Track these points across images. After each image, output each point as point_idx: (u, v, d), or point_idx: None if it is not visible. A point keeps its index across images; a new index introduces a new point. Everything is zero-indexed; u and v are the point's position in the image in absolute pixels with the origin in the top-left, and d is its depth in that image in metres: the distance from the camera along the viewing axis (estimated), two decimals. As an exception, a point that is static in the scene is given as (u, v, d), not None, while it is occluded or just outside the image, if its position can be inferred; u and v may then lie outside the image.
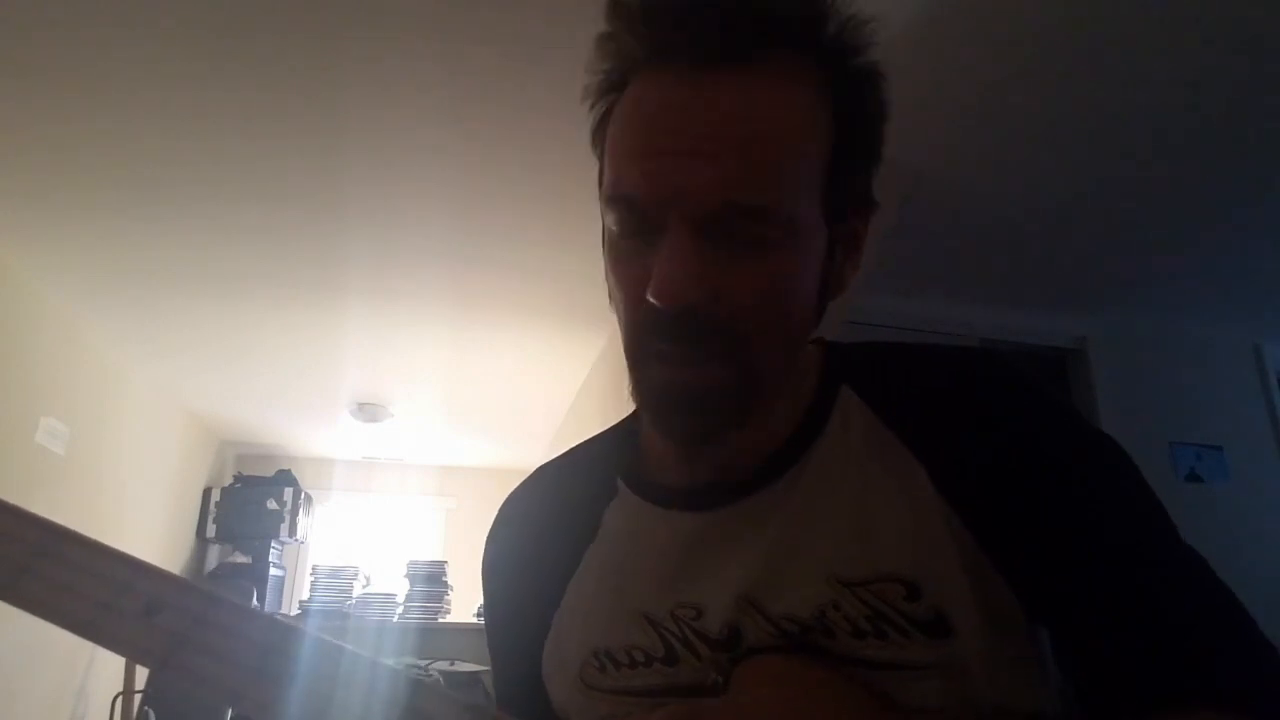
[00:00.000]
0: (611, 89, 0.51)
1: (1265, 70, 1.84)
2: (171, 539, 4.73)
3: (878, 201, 0.54)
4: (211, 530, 5.11)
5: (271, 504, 5.22)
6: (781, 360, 0.52)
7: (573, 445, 0.68)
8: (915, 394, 0.53)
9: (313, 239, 2.71)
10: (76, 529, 0.36)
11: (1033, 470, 0.49)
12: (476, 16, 1.71)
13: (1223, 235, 2.58)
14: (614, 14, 0.48)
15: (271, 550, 5.12)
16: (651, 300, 0.45)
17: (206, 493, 5.19)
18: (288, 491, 5.29)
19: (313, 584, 4.61)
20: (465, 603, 4.51)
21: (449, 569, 4.60)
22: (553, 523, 0.62)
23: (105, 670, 3.66)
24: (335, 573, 4.62)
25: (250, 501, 5.21)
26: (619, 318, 0.51)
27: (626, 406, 0.66)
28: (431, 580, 4.53)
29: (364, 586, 4.69)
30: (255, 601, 4.66)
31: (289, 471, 5.49)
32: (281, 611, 5.16)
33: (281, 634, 0.35)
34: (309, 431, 5.32)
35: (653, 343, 0.48)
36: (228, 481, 5.43)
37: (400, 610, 4.49)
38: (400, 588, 4.58)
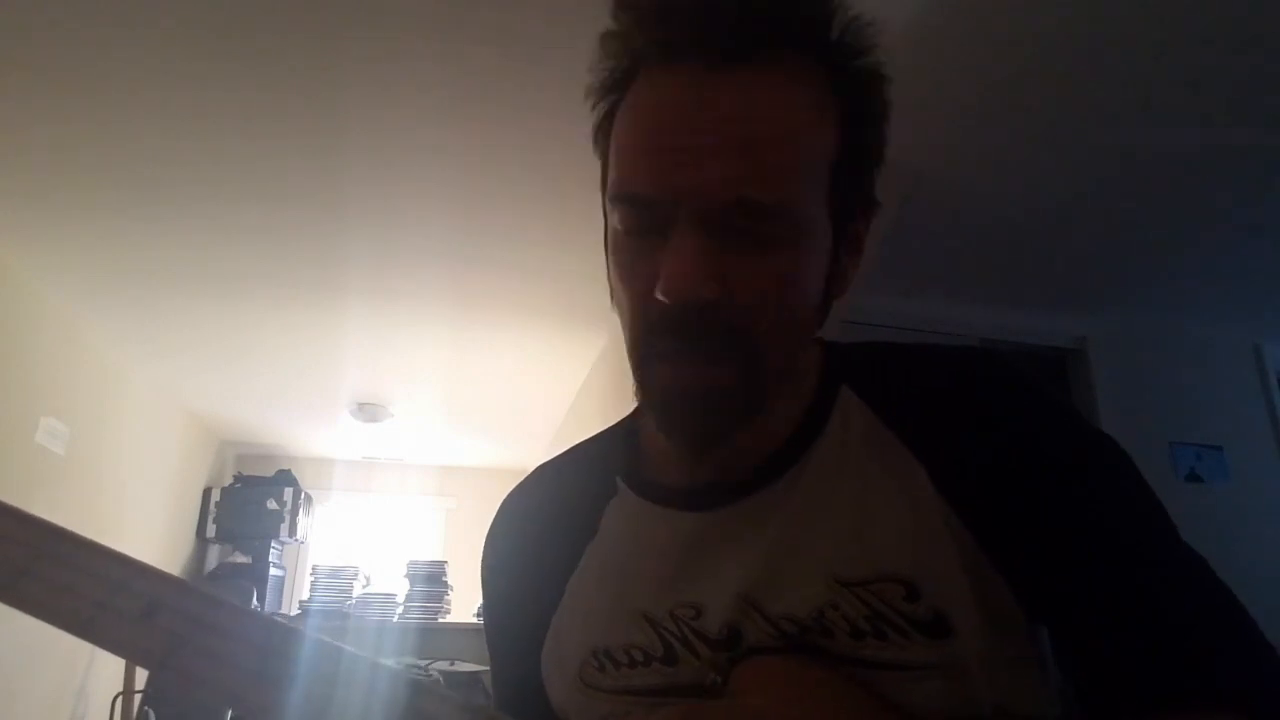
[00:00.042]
0: (615, 87, 0.51)
1: (1265, 70, 1.84)
2: (171, 539, 4.73)
3: (880, 202, 0.54)
4: (211, 530, 5.11)
5: (271, 504, 5.23)
6: (787, 360, 0.52)
7: (572, 444, 0.68)
8: (915, 394, 0.53)
9: (313, 239, 2.71)
10: (76, 529, 0.36)
11: (1033, 470, 0.49)
12: (476, 16, 1.71)
13: (1223, 235, 2.58)
14: (622, 12, 0.48)
15: (271, 550, 5.12)
16: (660, 298, 0.45)
17: (206, 493, 5.19)
18: (288, 491, 5.29)
19: (313, 584, 4.61)
20: (465, 603, 4.51)
21: (449, 569, 4.60)
22: (552, 522, 0.62)
23: (105, 670, 3.66)
24: (335, 573, 4.62)
25: (250, 501, 5.21)
26: (622, 317, 0.51)
27: (626, 406, 0.66)
28: (431, 580, 4.53)
29: (364, 586, 4.69)
30: (255, 601, 4.66)
31: (289, 471, 5.49)
32: (281, 611, 5.16)
33: (280, 636, 0.35)
34: (309, 431, 5.32)
35: (659, 342, 0.48)
36: (228, 481, 5.43)
37: (400, 610, 4.49)
38: (400, 588, 4.58)
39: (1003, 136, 2.09)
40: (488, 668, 0.68)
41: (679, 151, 0.45)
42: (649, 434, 0.61)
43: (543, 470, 0.68)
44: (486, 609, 0.66)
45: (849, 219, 0.52)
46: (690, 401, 0.48)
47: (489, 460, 5.82)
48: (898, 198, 2.20)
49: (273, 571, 5.07)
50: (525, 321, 3.41)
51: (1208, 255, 2.71)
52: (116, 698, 3.36)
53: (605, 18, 0.49)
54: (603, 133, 0.53)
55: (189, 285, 3.05)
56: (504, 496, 0.68)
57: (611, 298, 0.54)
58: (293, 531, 5.23)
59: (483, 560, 0.66)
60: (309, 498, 5.62)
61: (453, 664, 3.72)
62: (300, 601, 4.71)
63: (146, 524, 4.32)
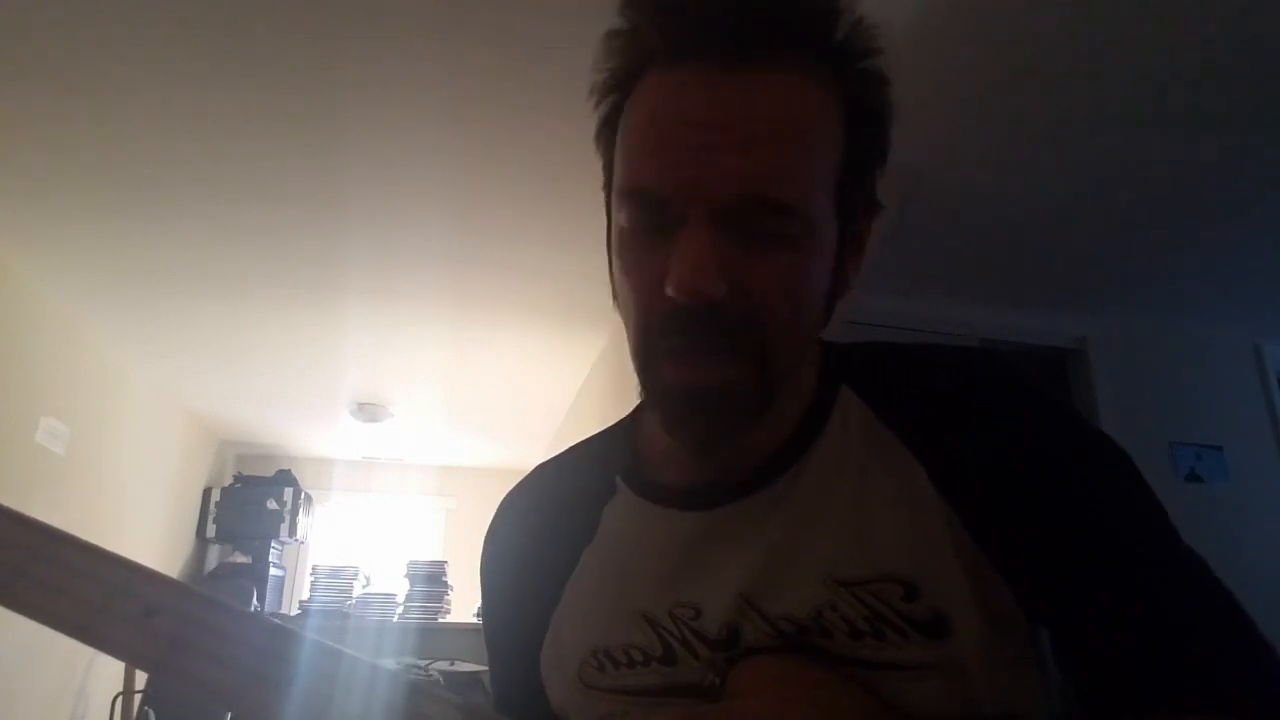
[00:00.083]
0: (620, 86, 0.51)
1: (1265, 70, 1.84)
2: (171, 539, 4.73)
3: (882, 203, 0.54)
4: (211, 530, 5.11)
5: (271, 504, 5.23)
6: (795, 360, 0.52)
7: (572, 444, 0.68)
8: (915, 394, 0.53)
9: (313, 239, 2.71)
10: (76, 529, 0.36)
11: (1032, 470, 0.49)
12: (476, 16, 1.71)
13: (1223, 235, 2.58)
14: (631, 9, 0.48)
15: (271, 550, 5.12)
16: (671, 294, 0.45)
17: (206, 493, 5.19)
18: (288, 491, 5.29)
19: (313, 584, 4.61)
20: (465, 603, 4.51)
21: (449, 569, 4.60)
22: (551, 522, 0.62)
23: (105, 670, 3.66)
24: (335, 573, 4.62)
25: (250, 501, 5.22)
26: (628, 317, 0.50)
27: (626, 406, 0.66)
28: (431, 580, 4.53)
29: (364, 586, 4.69)
30: (255, 601, 4.66)
31: (289, 471, 5.49)
32: (281, 611, 5.16)
33: (279, 638, 0.34)
34: (309, 431, 5.32)
35: (667, 340, 0.47)
36: (228, 481, 5.43)
37: (400, 610, 4.49)
38: (400, 588, 4.58)
39: (1003, 136, 2.09)
40: (487, 667, 0.68)
41: (692, 148, 0.45)
42: (649, 434, 0.61)
43: (542, 469, 0.68)
44: (485, 608, 0.66)
45: (853, 219, 0.52)
46: (699, 401, 0.48)
47: (489, 460, 5.82)
48: (898, 198, 2.20)
49: (273, 571, 5.07)
50: (525, 321, 3.41)
51: (1208, 255, 2.71)
52: (116, 698, 3.36)
53: (606, 18, 0.49)
54: (607, 131, 0.52)
55: (189, 285, 3.05)
56: (503, 496, 0.68)
57: (614, 297, 0.54)
58: (293, 531, 5.24)
59: (482, 559, 0.66)
60: (309, 498, 5.62)
61: (453, 664, 3.72)
62: (300, 601, 4.71)
63: (146, 524, 4.32)
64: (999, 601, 0.48)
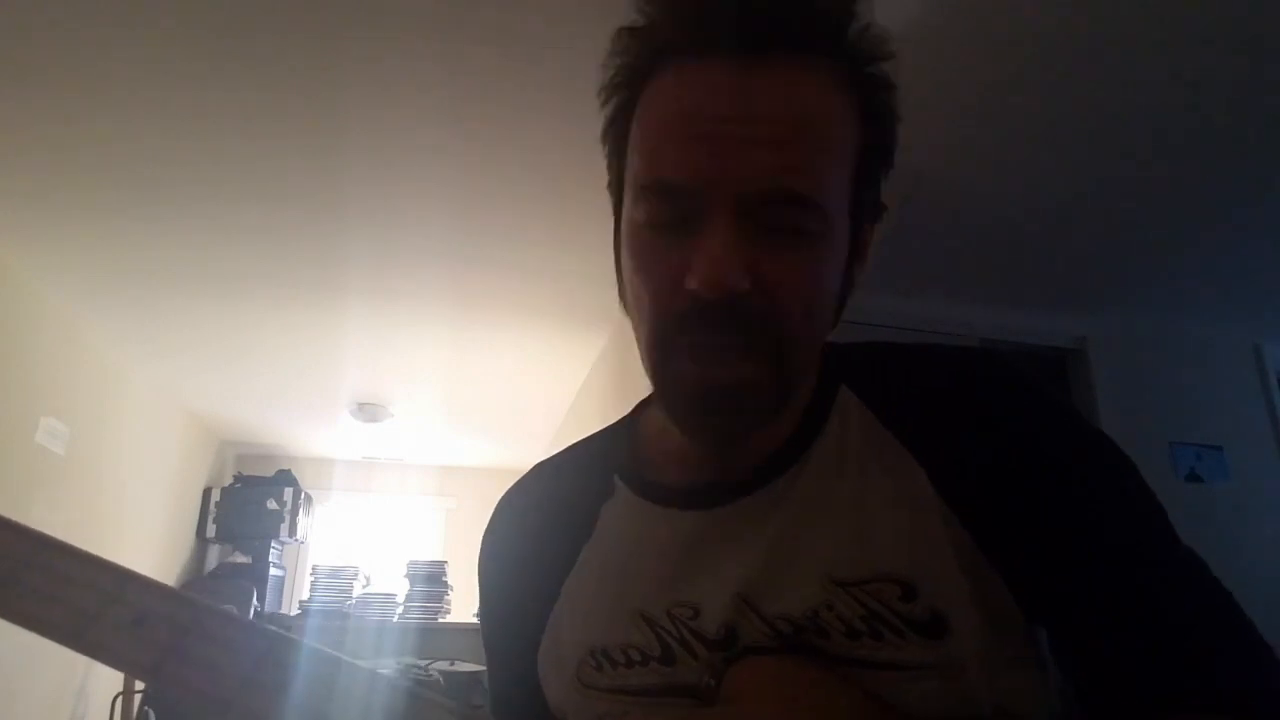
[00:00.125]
0: (630, 83, 0.50)
1: (1265, 70, 1.84)
2: (171, 539, 4.73)
3: (886, 205, 0.54)
4: (211, 530, 5.11)
5: (271, 504, 5.23)
6: (809, 359, 0.52)
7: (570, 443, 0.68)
8: (914, 394, 0.53)
9: (313, 239, 2.71)
10: (76, 529, 0.36)
11: (1032, 470, 0.49)
12: (476, 16, 1.71)
13: (1223, 235, 2.58)
14: (651, 4, 0.48)
15: (271, 550, 5.12)
16: (694, 289, 0.44)
17: (206, 493, 5.19)
18: (288, 491, 5.29)
19: (313, 584, 4.61)
20: (465, 603, 4.51)
21: (449, 569, 4.60)
22: (549, 520, 0.62)
23: (105, 670, 3.63)
24: (335, 573, 4.62)
25: (250, 501, 5.21)
26: (640, 313, 0.50)
27: (626, 406, 0.66)
28: (431, 580, 4.53)
29: (364, 586, 4.69)
30: (255, 602, 4.66)
31: (289, 471, 5.49)
32: (281, 611, 5.16)
33: (275, 644, 0.34)
34: (309, 431, 5.32)
35: (686, 336, 0.47)
36: (228, 481, 5.43)
37: (400, 610, 4.48)
38: (400, 588, 4.58)
39: (1003, 136, 2.09)
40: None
41: (717, 140, 0.45)
42: (649, 433, 0.61)
43: (541, 468, 0.68)
44: (483, 608, 0.66)
45: (862, 220, 0.52)
46: (716, 398, 0.47)
47: (489, 460, 5.82)
48: (898, 198, 2.19)
49: (273, 571, 5.07)
50: (525, 321, 3.41)
51: (1208, 255, 2.71)
52: (116, 698, 3.36)
53: (606, 17, 0.49)
54: (618, 126, 0.52)
55: (189, 285, 3.05)
56: (501, 495, 0.68)
57: (621, 295, 0.54)
58: (293, 531, 5.23)
59: (480, 558, 0.66)
60: (309, 498, 5.62)
61: (453, 664, 3.72)
62: (300, 601, 4.71)
63: (146, 524, 4.32)
64: (998, 602, 0.48)
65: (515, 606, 0.62)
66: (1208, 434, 3.07)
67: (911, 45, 1.73)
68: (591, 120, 0.54)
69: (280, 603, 5.27)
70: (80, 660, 3.54)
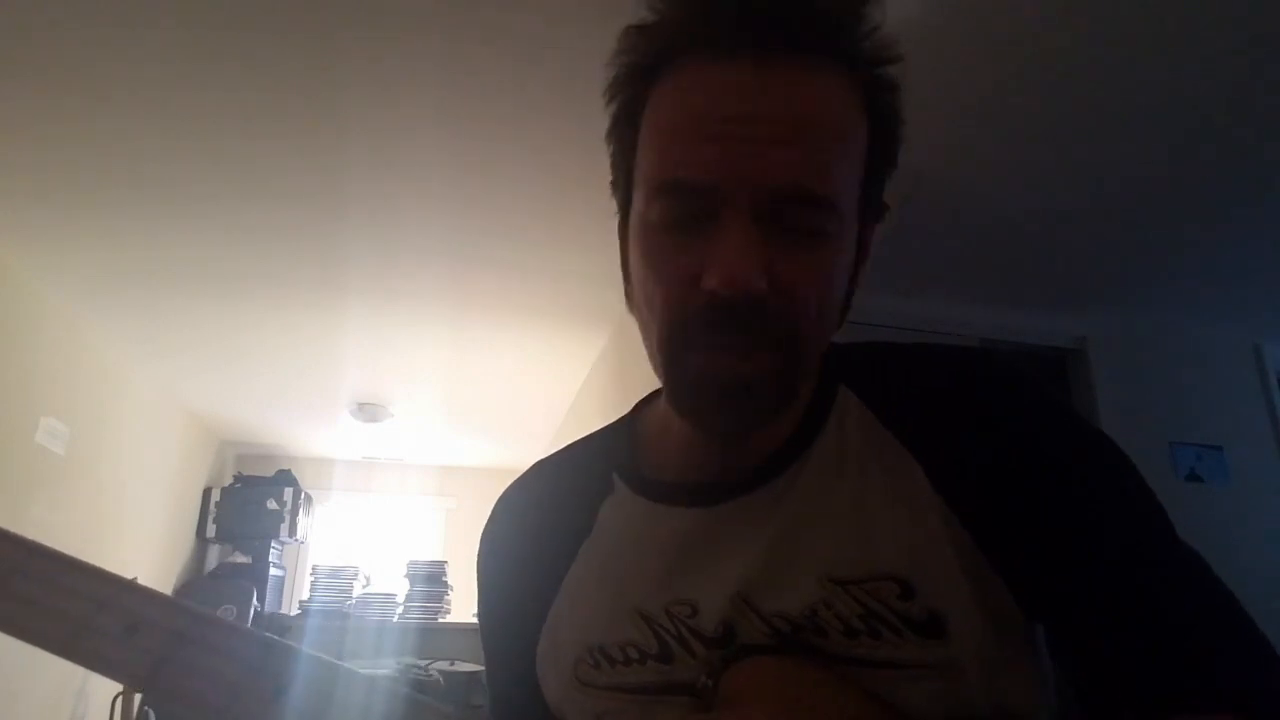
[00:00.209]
0: (641, 80, 0.50)
1: (1265, 70, 1.84)
2: (171, 539, 4.73)
3: (889, 206, 0.54)
4: (211, 530, 5.11)
5: (271, 504, 5.22)
6: (817, 356, 0.52)
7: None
8: (914, 394, 0.53)
9: (313, 239, 2.71)
10: (76, 529, 0.36)
11: (1032, 470, 0.49)
12: (476, 16, 1.71)
13: (1223, 235, 2.58)
14: (663, 3, 0.48)
15: (271, 550, 5.12)
16: (712, 288, 0.44)
17: (206, 493, 5.19)
18: (288, 491, 5.28)
19: (313, 584, 4.61)
20: (465, 603, 4.51)
21: (449, 569, 4.60)
22: (548, 519, 0.62)
23: (105, 670, 3.65)
24: (335, 573, 4.62)
25: (250, 501, 5.21)
26: (651, 311, 0.50)
27: (626, 406, 0.66)
28: (431, 580, 4.52)
29: (364, 586, 4.69)
30: (255, 602, 4.66)
31: (289, 471, 5.48)
32: (281, 611, 5.16)
33: (272, 652, 0.34)
34: (309, 431, 5.31)
35: (701, 334, 0.47)
36: (228, 481, 5.42)
37: (400, 610, 4.48)
38: (400, 588, 4.58)
39: (1003, 136, 2.09)
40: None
41: (734, 139, 0.45)
42: (649, 432, 0.61)
43: (539, 467, 0.68)
44: (482, 606, 0.65)
45: (867, 220, 0.52)
46: (730, 390, 0.47)
47: (489, 460, 5.82)
48: (898, 198, 2.19)
49: (273, 571, 5.07)
50: (525, 321, 3.41)
51: (1208, 255, 2.71)
52: (116, 698, 3.36)
53: (606, 18, 0.49)
54: (625, 125, 0.52)
55: (189, 285, 3.05)
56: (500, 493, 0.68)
57: (628, 293, 0.53)
58: (293, 531, 5.23)
59: (479, 556, 0.66)
60: (309, 498, 5.62)
61: (453, 664, 3.71)
62: (300, 601, 4.71)
63: (146, 524, 4.32)
64: (997, 602, 0.48)
65: (514, 605, 0.61)
66: (1208, 434, 3.07)
67: (911, 45, 1.73)
68: (593, 120, 0.53)
69: (280, 603, 5.27)
70: (80, 660, 3.55)
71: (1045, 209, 2.42)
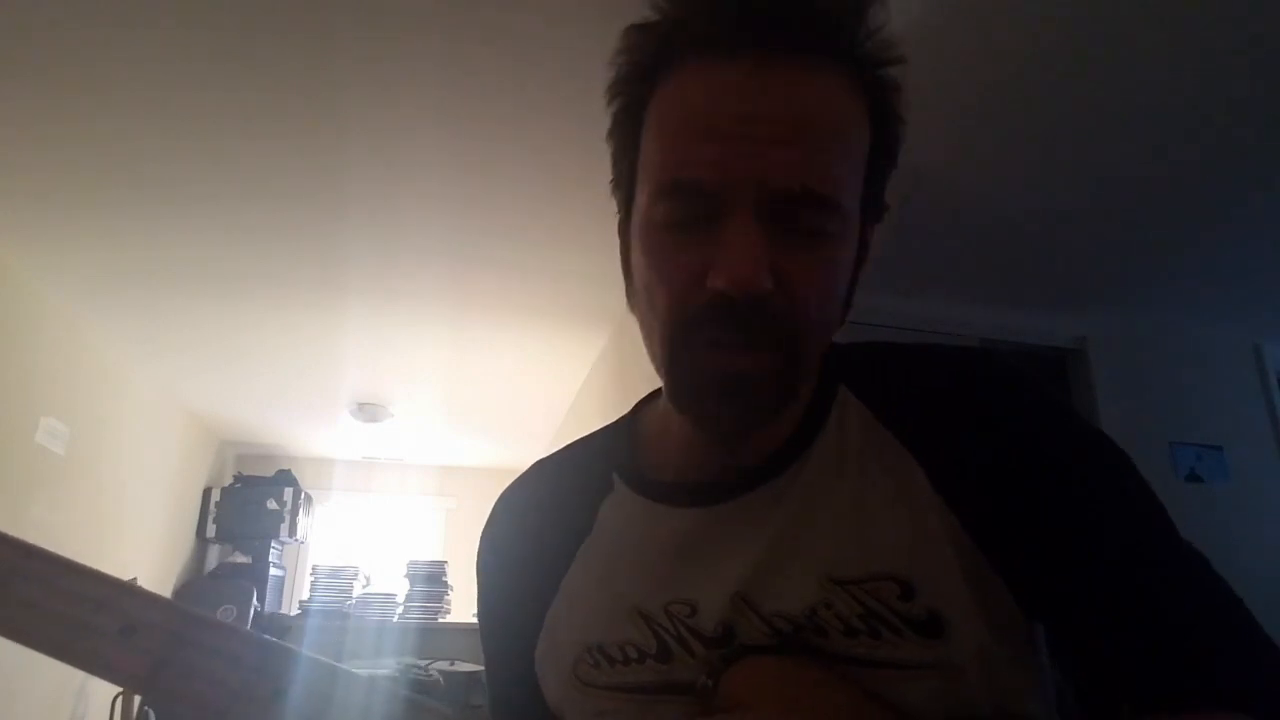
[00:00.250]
0: (643, 79, 0.50)
1: (1265, 69, 1.84)
2: (171, 539, 4.73)
3: (889, 206, 0.54)
4: (211, 530, 5.11)
5: (271, 504, 5.22)
6: (819, 355, 0.52)
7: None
8: (913, 394, 0.53)
9: (313, 239, 2.71)
10: (76, 529, 0.35)
11: (1032, 470, 0.49)
12: (476, 16, 1.71)
13: (1223, 235, 2.58)
14: (666, 3, 0.48)
15: (271, 550, 5.12)
16: (719, 287, 0.45)
17: (206, 493, 5.19)
18: (288, 491, 5.28)
19: (313, 584, 4.61)
20: (465, 603, 4.51)
21: (449, 569, 4.60)
22: (548, 518, 0.62)
23: (105, 670, 3.65)
24: (335, 573, 4.62)
25: (250, 501, 5.21)
26: (653, 310, 0.50)
27: (626, 406, 0.66)
28: (431, 580, 4.53)
29: (364, 586, 4.69)
30: (255, 602, 4.66)
31: (289, 471, 5.48)
32: (281, 611, 5.16)
33: (270, 653, 0.34)
34: (309, 431, 5.31)
35: (705, 332, 0.47)
36: (228, 481, 5.42)
37: (400, 610, 4.48)
38: (400, 588, 4.58)
39: (1003, 136, 2.09)
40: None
41: (739, 139, 0.45)
42: (649, 432, 0.61)
43: (539, 466, 0.68)
44: (481, 606, 0.65)
45: (868, 220, 0.52)
46: (733, 387, 0.47)
47: (489, 460, 5.82)
48: (898, 198, 2.19)
49: (273, 571, 5.07)
50: (525, 321, 3.41)
51: (1208, 255, 2.71)
52: (116, 698, 3.36)
53: (606, 18, 0.49)
54: (627, 125, 0.52)
55: (189, 285, 3.05)
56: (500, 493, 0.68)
57: (629, 292, 0.53)
58: (293, 531, 5.23)
59: (478, 555, 0.66)
60: (309, 498, 5.62)
61: (453, 664, 3.71)
62: (300, 601, 4.71)
63: (146, 524, 4.32)
64: (998, 601, 0.48)
65: (514, 605, 0.61)
66: (1208, 434, 3.07)
67: (912, 46, 1.73)
68: (593, 120, 0.53)
69: (280, 603, 5.27)
70: (80, 660, 3.55)
71: (1045, 209, 2.42)
